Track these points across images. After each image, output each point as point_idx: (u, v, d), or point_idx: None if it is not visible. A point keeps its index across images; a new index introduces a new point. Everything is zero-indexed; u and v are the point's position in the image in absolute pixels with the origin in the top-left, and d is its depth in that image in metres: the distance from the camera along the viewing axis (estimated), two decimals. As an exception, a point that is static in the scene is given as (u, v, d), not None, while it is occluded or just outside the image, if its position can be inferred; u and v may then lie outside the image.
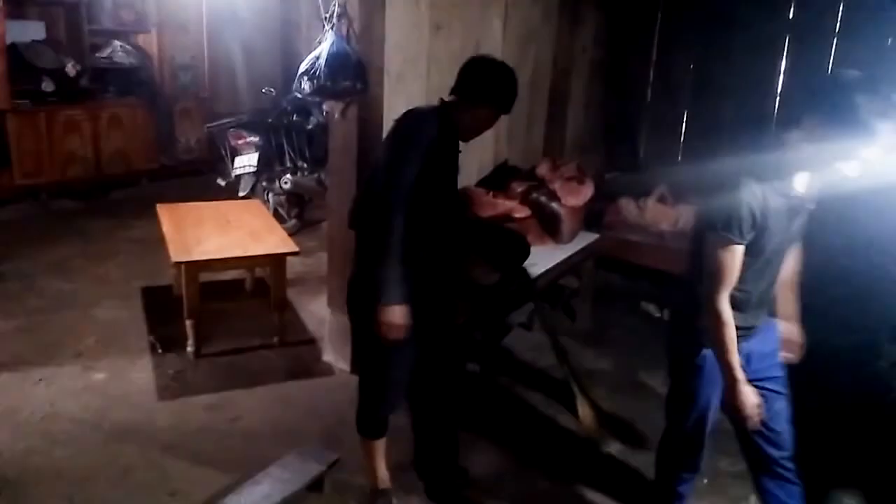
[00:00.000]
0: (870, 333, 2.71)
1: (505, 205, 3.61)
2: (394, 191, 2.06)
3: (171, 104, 7.14)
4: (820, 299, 2.36)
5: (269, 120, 5.78)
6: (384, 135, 3.30)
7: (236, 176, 5.77)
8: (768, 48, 4.90)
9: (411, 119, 2.22)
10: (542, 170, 3.86)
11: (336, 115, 3.24)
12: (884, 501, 2.75)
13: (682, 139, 5.40)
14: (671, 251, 4.26)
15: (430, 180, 2.12)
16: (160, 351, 3.63)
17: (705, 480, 2.82)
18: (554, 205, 3.71)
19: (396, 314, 2.12)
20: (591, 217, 4.18)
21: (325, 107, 3.41)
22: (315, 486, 2.57)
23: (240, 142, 5.74)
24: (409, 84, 3.38)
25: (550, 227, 3.74)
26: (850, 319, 2.62)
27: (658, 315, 4.34)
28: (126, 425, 2.98)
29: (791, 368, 2.25)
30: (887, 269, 2.66)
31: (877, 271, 2.67)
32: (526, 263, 3.29)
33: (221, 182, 5.92)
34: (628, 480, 2.83)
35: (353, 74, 3.04)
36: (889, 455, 2.71)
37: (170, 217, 3.98)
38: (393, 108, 3.34)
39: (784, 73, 4.90)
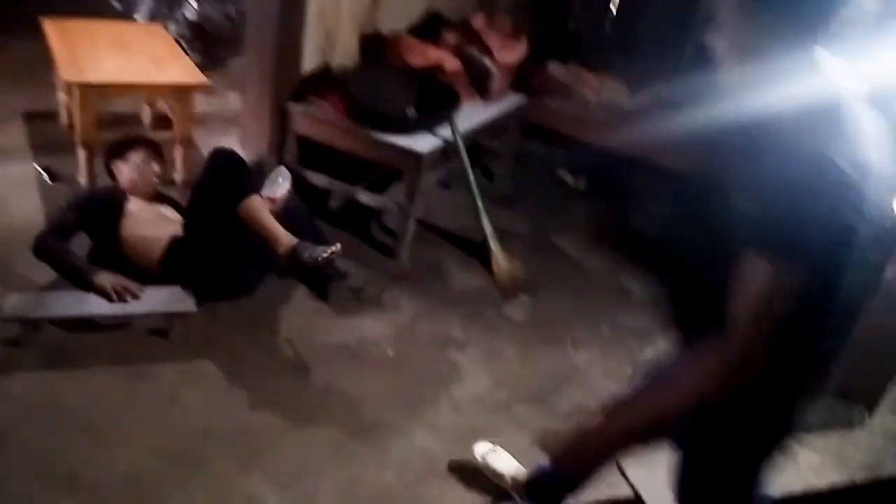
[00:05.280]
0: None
1: (436, 54, 3.44)
2: None
3: None
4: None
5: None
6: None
7: (134, -3, 5.16)
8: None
9: None
10: (477, 23, 3.67)
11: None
12: None
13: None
14: (593, 122, 4.27)
15: None
16: (49, 182, 3.33)
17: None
18: (486, 60, 3.56)
19: None
20: (518, 79, 4.07)
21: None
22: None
23: (138, -44, 5.10)
24: None
25: (480, 84, 3.62)
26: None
27: (574, 185, 4.40)
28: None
29: None
30: None
31: None
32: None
33: (116, 4, 5.30)
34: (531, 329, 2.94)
35: None
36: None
37: (59, 34, 3.51)
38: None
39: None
